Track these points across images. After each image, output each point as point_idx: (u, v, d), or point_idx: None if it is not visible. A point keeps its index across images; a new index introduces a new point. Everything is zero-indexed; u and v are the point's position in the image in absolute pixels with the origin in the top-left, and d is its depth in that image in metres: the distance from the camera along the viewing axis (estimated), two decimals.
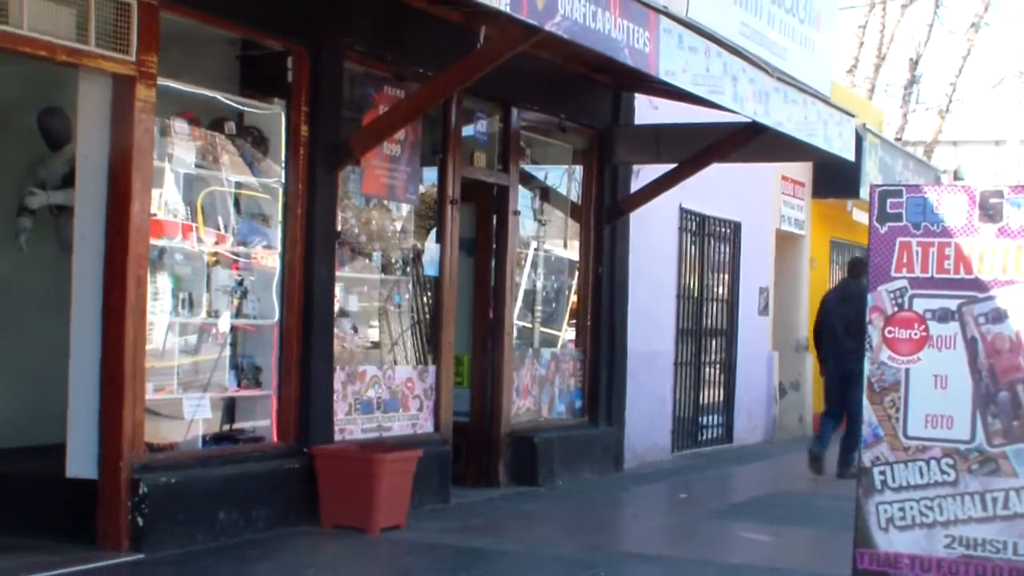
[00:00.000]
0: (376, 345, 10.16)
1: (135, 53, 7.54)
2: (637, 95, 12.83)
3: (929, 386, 6.83)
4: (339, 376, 9.29)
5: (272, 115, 8.95)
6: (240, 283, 8.72)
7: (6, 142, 9.42)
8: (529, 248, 12.34)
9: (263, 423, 8.87)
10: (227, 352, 8.68)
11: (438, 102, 9.61)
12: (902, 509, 6.84)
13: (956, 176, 23.07)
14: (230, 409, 8.89)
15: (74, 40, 7.25)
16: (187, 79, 8.29)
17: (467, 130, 10.82)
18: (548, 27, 7.70)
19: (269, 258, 8.85)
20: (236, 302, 8.68)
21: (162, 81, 7.80)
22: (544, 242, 12.69)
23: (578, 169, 12.80)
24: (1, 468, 8.33)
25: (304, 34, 8.85)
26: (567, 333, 12.70)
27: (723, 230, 15.51)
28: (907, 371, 6.87)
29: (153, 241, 7.90)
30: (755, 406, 16.29)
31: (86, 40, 7.30)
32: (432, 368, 10.32)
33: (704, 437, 15.04)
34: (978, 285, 6.77)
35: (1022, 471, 6.68)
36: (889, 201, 6.93)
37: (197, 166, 8.39)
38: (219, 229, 8.57)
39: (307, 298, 8.91)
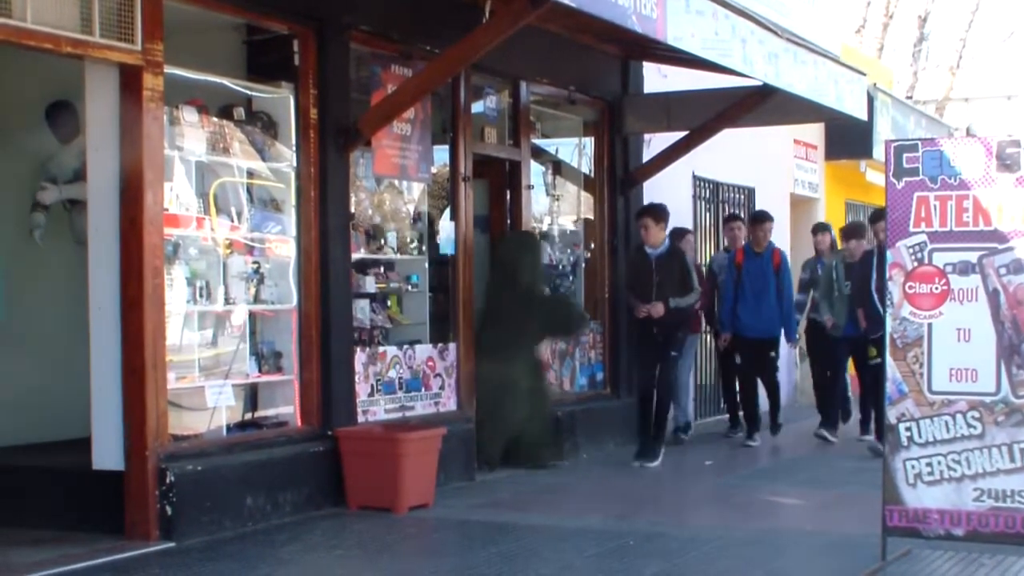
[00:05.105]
0: (395, 325, 10.15)
1: (140, 42, 7.51)
2: (645, 64, 12.77)
3: (952, 340, 6.80)
4: (360, 358, 9.28)
5: (281, 99, 8.93)
6: (256, 269, 8.71)
7: (15, 138, 9.41)
8: (543, 222, 12.30)
9: (286, 408, 8.88)
10: (247, 339, 8.68)
11: (446, 80, 9.57)
12: (929, 464, 6.82)
13: (968, 133, 22.96)
14: (252, 396, 8.90)
15: (79, 31, 7.22)
16: (194, 66, 8.26)
17: (477, 106, 10.79)
18: None
19: (284, 243, 8.84)
20: (253, 289, 8.67)
21: (169, 69, 7.77)
22: (558, 215, 12.66)
23: (589, 141, 12.77)
24: (26, 463, 8.37)
25: (309, 16, 8.81)
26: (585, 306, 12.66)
27: (737, 196, 15.44)
28: (929, 326, 6.84)
29: (167, 230, 7.88)
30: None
31: (90, 31, 7.27)
32: (452, 346, 10.30)
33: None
34: (998, 236, 6.73)
35: None
36: (905, 156, 6.88)
37: (208, 153, 8.38)
38: (232, 216, 8.56)
39: (324, 281, 8.90)
